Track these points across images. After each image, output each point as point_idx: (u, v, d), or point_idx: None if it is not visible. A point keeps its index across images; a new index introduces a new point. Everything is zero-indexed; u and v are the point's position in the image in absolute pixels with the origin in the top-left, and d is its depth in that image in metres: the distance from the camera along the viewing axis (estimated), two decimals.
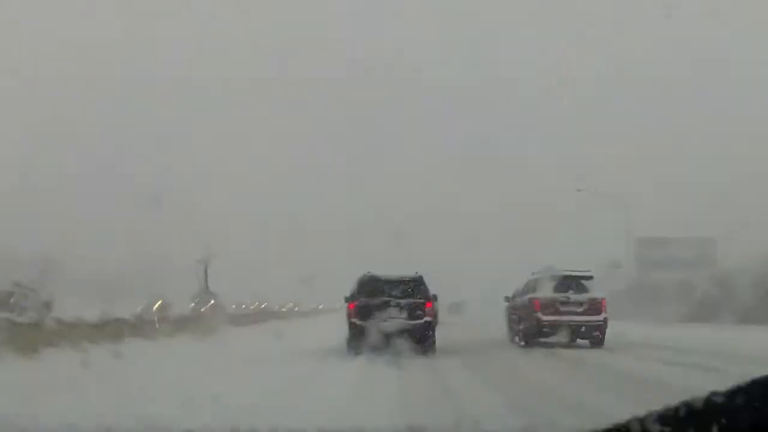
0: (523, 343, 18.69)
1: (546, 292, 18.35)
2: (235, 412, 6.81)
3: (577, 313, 18.04)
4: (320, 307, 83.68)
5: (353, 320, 15.32)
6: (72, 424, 4.55)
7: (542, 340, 18.35)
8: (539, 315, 18.04)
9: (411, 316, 15.29)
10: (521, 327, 19.07)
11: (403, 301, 15.44)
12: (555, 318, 18.02)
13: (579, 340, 18.38)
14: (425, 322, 15.30)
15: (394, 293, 15.65)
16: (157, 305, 53.36)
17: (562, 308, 18.09)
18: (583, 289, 18.47)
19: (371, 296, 15.55)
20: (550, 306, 18.05)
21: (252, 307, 67.16)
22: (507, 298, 21.37)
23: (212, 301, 39.04)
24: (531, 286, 19.31)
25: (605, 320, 17.96)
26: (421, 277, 15.97)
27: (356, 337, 15.27)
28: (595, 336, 17.93)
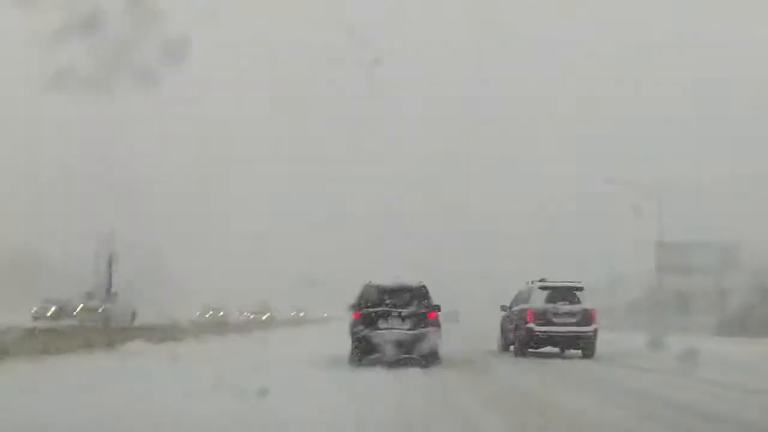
0: (516, 353, 19.04)
1: (538, 302, 18.67)
2: None
3: (569, 324, 18.38)
4: (299, 314, 64.04)
5: (356, 330, 15.20)
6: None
7: (534, 350, 18.70)
8: (531, 325, 18.38)
9: (414, 326, 15.14)
10: (514, 337, 19.43)
11: (405, 311, 15.27)
12: (547, 328, 18.37)
13: (571, 351, 18.77)
14: (428, 332, 15.16)
15: (397, 303, 15.47)
16: (51, 311, 46.36)
17: (554, 319, 18.43)
18: (575, 300, 18.78)
19: (374, 306, 15.40)
20: (542, 316, 18.38)
21: (207, 316, 50.68)
22: (504, 307, 21.56)
23: (102, 308, 28.91)
24: (524, 297, 19.65)
25: (596, 331, 18.42)
26: (424, 286, 15.82)
27: (359, 347, 15.21)
28: (586, 346, 18.29)
